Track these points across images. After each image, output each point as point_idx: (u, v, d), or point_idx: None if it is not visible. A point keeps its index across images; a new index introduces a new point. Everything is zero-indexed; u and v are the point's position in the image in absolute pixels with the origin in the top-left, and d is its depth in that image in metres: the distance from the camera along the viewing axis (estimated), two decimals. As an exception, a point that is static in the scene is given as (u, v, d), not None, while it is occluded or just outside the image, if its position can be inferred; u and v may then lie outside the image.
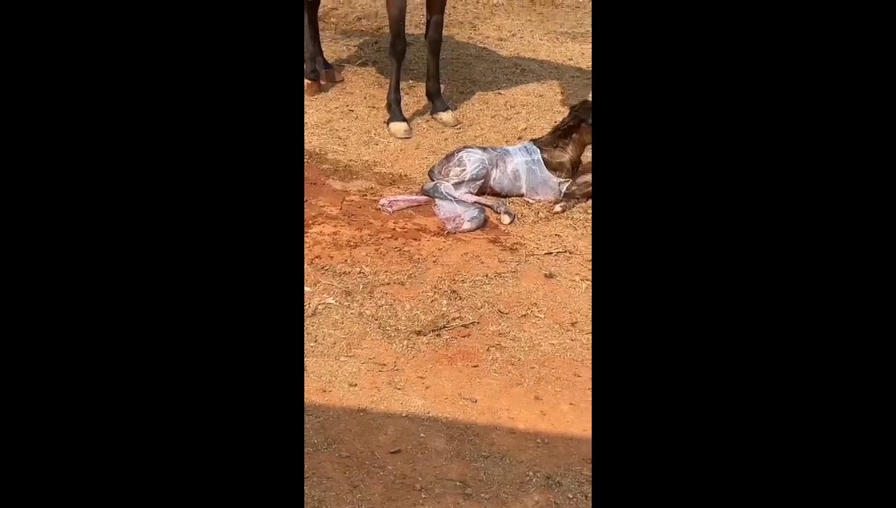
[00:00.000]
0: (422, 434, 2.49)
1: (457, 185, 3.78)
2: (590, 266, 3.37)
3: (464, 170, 3.80)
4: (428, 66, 4.81)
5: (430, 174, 3.94)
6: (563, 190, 3.86)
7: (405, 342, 2.90)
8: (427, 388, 2.68)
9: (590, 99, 4.04)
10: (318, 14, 5.47)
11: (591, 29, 6.46)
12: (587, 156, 3.91)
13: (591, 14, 6.89)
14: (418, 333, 2.94)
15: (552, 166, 3.90)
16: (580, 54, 5.91)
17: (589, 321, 3.02)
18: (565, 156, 3.90)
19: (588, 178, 3.88)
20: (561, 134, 3.92)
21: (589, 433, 2.51)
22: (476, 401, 2.63)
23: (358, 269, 3.31)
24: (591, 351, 2.86)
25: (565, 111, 4.84)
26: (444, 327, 2.99)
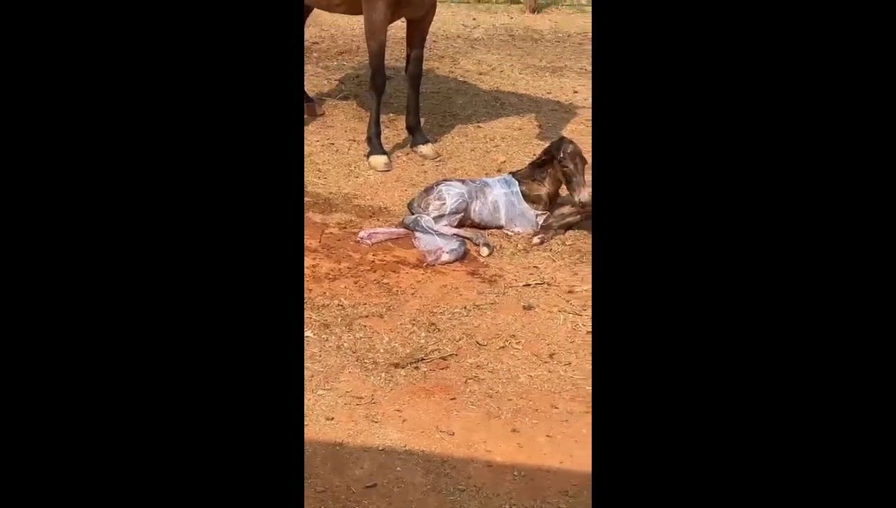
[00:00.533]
0: (398, 468, 2.48)
1: (437, 218, 3.80)
2: (567, 298, 3.39)
3: (443, 204, 3.83)
4: (408, 99, 4.85)
5: (410, 207, 3.96)
6: (541, 222, 3.89)
7: (383, 375, 2.89)
8: (404, 421, 2.67)
9: (565, 137, 4.07)
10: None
11: (568, 63, 6.56)
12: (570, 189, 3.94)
13: (569, 49, 6.99)
14: (396, 366, 2.94)
15: (530, 199, 3.93)
16: (559, 88, 5.99)
17: (566, 353, 3.04)
18: (543, 189, 3.94)
19: (564, 210, 3.91)
20: (537, 168, 3.96)
21: (566, 465, 2.51)
22: (453, 434, 2.62)
23: (337, 301, 3.31)
24: (568, 383, 2.87)
25: (544, 144, 4.89)
26: (422, 359, 2.98)
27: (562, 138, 3.99)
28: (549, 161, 3.88)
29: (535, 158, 4.04)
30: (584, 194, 3.73)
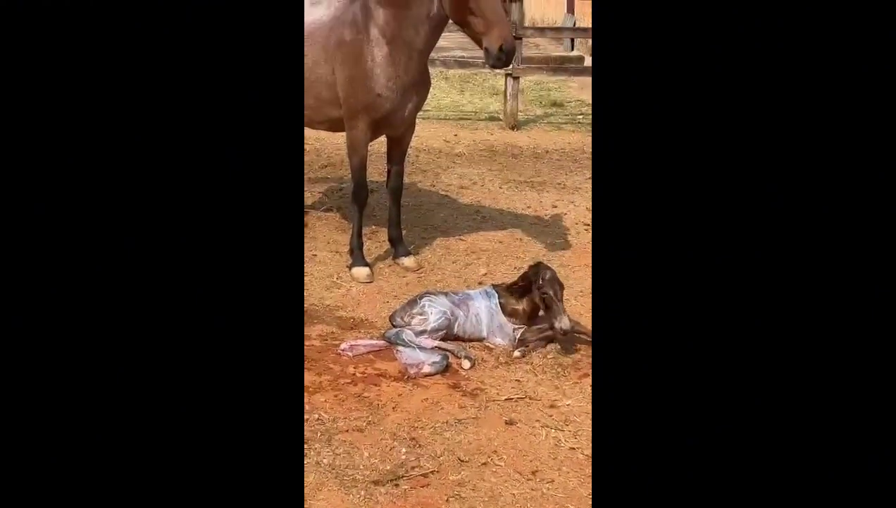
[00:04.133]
0: (377, 592, 2.39)
1: (419, 333, 3.80)
2: (550, 412, 3.36)
3: (426, 319, 3.83)
4: (390, 212, 4.93)
5: (392, 320, 3.96)
6: (517, 336, 3.89)
7: (363, 493, 2.82)
8: (384, 542, 2.59)
9: (541, 262, 4.12)
10: (285, 162, 5.62)
11: (547, 179, 6.72)
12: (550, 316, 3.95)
13: (548, 165, 7.18)
14: (376, 483, 2.87)
15: (507, 312, 3.94)
16: (538, 202, 6.12)
17: (549, 470, 2.99)
18: (521, 304, 3.96)
19: (542, 325, 3.92)
20: (515, 292, 3.98)
21: (551, 589, 2.43)
22: (434, 556, 2.54)
23: (316, 415, 3.26)
24: (551, 501, 2.81)
25: (525, 257, 4.96)
26: (403, 476, 2.92)
27: (539, 264, 4.02)
28: (528, 288, 3.90)
29: (513, 282, 4.06)
30: (565, 321, 3.76)
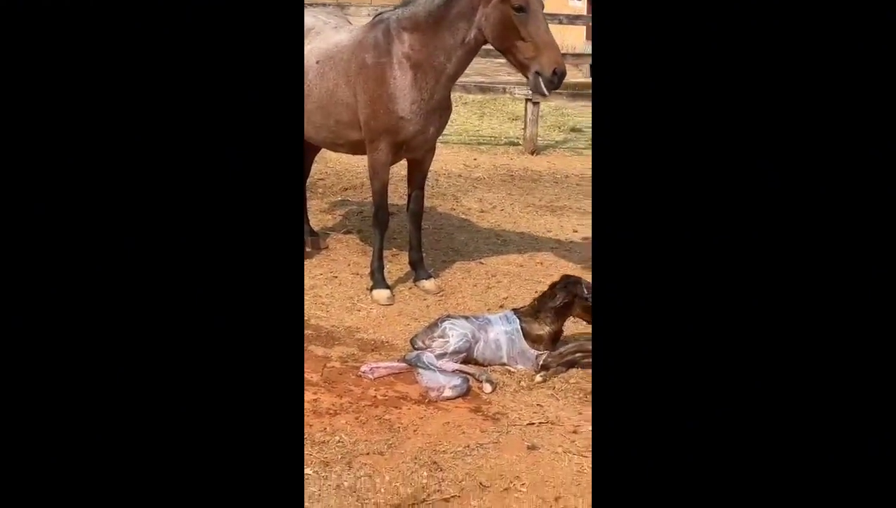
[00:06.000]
0: None
1: (440, 356, 3.78)
2: (572, 438, 3.33)
3: (447, 342, 3.81)
4: (410, 236, 4.93)
5: (413, 343, 3.94)
6: (540, 362, 3.86)
7: (383, 517, 2.80)
8: (405, 567, 2.56)
9: (571, 275, 4.12)
10: (307, 184, 5.66)
11: (567, 203, 6.71)
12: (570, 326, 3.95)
13: (567, 190, 7.17)
14: (397, 507, 2.84)
15: (531, 338, 3.92)
16: (559, 227, 6.11)
17: (572, 497, 2.95)
18: (545, 329, 3.94)
19: (564, 349, 3.89)
20: (546, 305, 3.97)
21: None
22: (456, 582, 2.51)
23: (337, 438, 3.24)
24: (575, 528, 2.77)
25: (545, 281, 4.93)
26: (424, 500, 2.89)
27: (573, 278, 4.05)
28: (569, 302, 3.91)
29: (542, 294, 4.05)
30: None
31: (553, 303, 3.96)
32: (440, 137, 5.04)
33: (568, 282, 4.00)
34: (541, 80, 4.08)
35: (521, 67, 4.22)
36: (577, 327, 4.31)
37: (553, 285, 4.02)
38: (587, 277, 4.65)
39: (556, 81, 4.08)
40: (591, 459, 3.16)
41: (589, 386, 3.76)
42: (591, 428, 3.38)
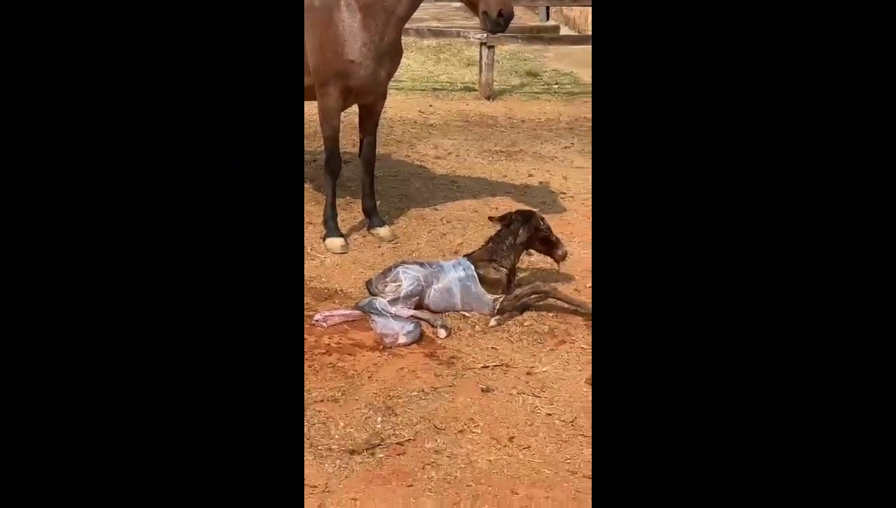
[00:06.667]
0: (353, 561, 2.37)
1: (392, 301, 3.77)
2: (526, 380, 3.35)
3: (399, 286, 3.80)
4: (363, 183, 4.87)
5: (368, 286, 3.92)
6: (496, 306, 3.87)
7: (338, 463, 2.80)
8: (360, 511, 2.57)
9: (522, 210, 4.16)
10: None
11: (523, 148, 6.68)
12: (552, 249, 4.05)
13: (523, 135, 7.13)
14: (352, 452, 2.85)
15: (487, 283, 3.91)
16: (514, 172, 6.08)
17: (526, 436, 2.98)
18: (501, 272, 3.94)
19: (519, 291, 3.91)
20: (500, 243, 3.98)
21: (527, 553, 2.42)
22: (411, 523, 2.53)
23: (290, 386, 3.22)
24: (527, 468, 2.80)
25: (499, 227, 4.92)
26: (379, 445, 2.90)
27: (526, 211, 4.16)
28: (531, 236, 4.02)
29: (496, 233, 4.06)
30: (564, 247, 4.07)
31: (515, 240, 3.98)
32: (395, 84, 4.97)
33: (524, 217, 4.04)
34: (486, 19, 4.08)
35: (472, 7, 4.21)
36: (528, 272, 4.33)
37: (508, 223, 4.02)
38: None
39: (501, 24, 4.05)
40: (544, 399, 3.20)
41: (543, 328, 3.79)
42: (544, 369, 3.42)
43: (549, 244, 4.06)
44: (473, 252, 4.09)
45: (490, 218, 4.20)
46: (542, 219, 4.10)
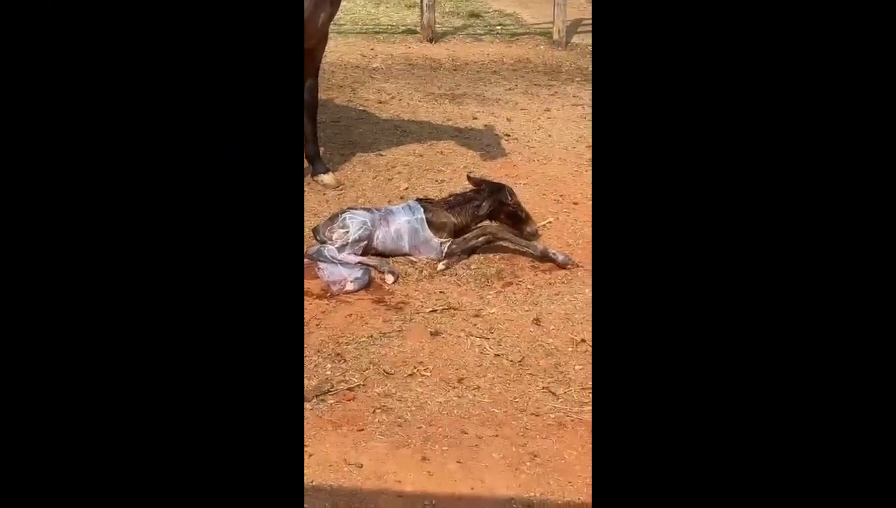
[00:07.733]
0: (305, 505, 2.39)
1: (340, 247, 3.74)
2: (474, 322, 3.38)
3: (347, 232, 3.77)
4: (305, 129, 4.79)
5: (315, 234, 3.89)
6: (444, 250, 3.88)
7: (288, 410, 2.80)
8: (311, 456, 2.59)
9: (492, 182, 4.16)
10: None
11: (467, 91, 6.63)
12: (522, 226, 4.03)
13: (467, 77, 7.07)
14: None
15: (435, 226, 3.91)
16: (459, 115, 6.04)
17: (475, 377, 3.01)
18: (451, 218, 3.94)
19: (467, 235, 3.92)
20: (456, 204, 3.98)
21: (477, 490, 2.47)
22: (362, 466, 2.55)
23: (237, 336, 3.20)
24: (477, 407, 2.84)
25: (446, 170, 4.91)
26: (329, 391, 2.91)
27: (496, 184, 4.12)
28: (495, 209, 3.98)
29: (462, 193, 4.06)
30: (533, 225, 4.03)
31: (478, 212, 3.99)
32: (335, 27, 4.86)
33: (493, 190, 4.03)
34: None
35: None
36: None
37: (477, 190, 4.01)
38: (487, 165, 4.63)
39: None
40: (492, 340, 3.24)
41: (490, 270, 3.81)
42: (492, 311, 3.45)
43: (516, 219, 4.02)
44: (427, 198, 4.09)
45: (469, 177, 4.19)
46: (512, 194, 4.04)
